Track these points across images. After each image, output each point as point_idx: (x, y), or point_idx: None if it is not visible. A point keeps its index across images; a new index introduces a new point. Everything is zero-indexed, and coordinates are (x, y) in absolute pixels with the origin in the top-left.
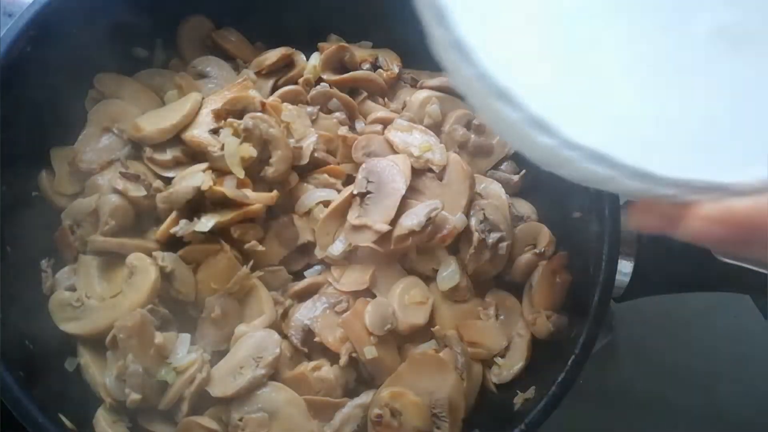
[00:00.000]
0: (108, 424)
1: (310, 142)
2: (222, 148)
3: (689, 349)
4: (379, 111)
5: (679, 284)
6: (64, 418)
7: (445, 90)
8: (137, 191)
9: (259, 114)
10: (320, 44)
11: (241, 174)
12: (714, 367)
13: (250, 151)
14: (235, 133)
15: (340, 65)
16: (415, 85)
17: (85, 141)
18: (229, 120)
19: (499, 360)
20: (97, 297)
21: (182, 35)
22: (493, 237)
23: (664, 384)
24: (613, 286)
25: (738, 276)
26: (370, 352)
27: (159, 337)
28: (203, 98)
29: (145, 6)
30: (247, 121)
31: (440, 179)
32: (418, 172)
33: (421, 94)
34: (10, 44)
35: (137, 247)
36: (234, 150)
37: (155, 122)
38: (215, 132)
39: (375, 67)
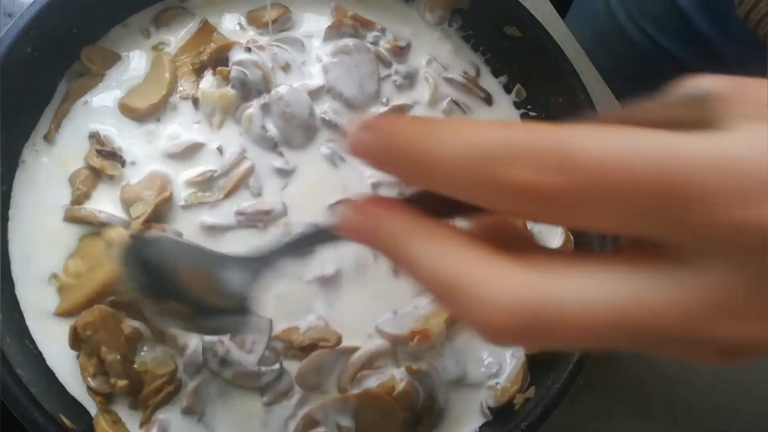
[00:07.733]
0: (108, 424)
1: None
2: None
3: None
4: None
5: None
6: (64, 418)
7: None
8: (113, 170)
9: (245, 58)
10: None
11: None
12: (715, 367)
13: (230, 93)
14: (225, 79)
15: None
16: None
17: (61, 117)
18: (219, 68)
19: (491, 382)
20: (73, 275)
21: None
22: None
23: (665, 384)
24: None
25: None
26: None
27: (127, 328)
28: (172, 57)
29: (145, 5)
30: (234, 70)
31: None
32: None
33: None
34: (10, 44)
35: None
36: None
37: (145, 98)
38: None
39: (380, 37)
